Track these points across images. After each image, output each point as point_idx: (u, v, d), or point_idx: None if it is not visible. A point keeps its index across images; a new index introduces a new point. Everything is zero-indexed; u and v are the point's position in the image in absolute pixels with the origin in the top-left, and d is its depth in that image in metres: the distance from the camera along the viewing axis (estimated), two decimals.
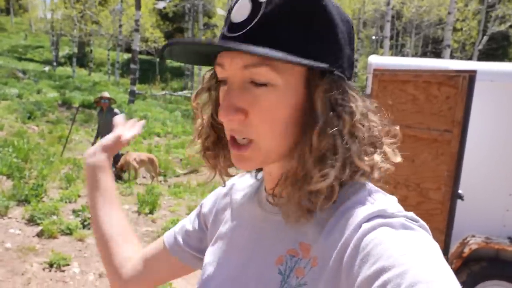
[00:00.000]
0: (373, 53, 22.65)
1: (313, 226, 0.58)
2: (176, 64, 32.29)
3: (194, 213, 0.82)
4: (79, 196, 5.64)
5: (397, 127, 0.63)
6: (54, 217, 4.66)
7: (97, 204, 0.85)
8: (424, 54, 24.40)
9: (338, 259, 0.52)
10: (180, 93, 20.97)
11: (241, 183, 0.76)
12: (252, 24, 0.53)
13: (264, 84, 0.55)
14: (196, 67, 24.34)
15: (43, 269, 3.60)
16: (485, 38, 20.43)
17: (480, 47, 20.39)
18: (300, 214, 0.57)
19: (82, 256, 3.93)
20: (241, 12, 0.55)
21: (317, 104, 0.55)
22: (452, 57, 17.16)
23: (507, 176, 3.05)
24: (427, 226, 0.52)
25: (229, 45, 0.52)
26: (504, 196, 3.08)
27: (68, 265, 3.71)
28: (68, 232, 4.39)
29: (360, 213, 0.54)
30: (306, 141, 0.55)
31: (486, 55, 21.87)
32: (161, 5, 23.12)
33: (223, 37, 0.57)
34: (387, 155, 0.59)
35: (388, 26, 14.25)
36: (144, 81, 24.32)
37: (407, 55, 22.09)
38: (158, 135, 11.49)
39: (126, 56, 30.32)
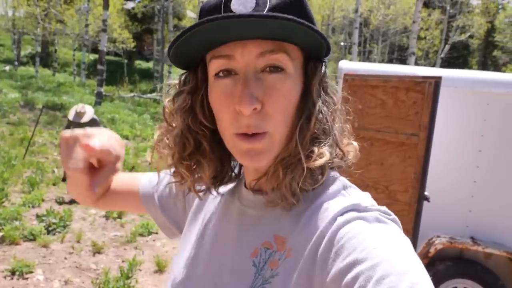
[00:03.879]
0: (342, 58, 23.15)
1: (289, 219, 0.59)
2: (145, 65, 31.77)
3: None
4: (43, 200, 5.43)
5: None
6: (17, 223, 4.46)
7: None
8: (390, 61, 25.14)
9: (312, 251, 0.53)
10: (149, 95, 20.60)
11: None
12: (266, 9, 0.53)
13: (279, 71, 0.55)
14: (166, 70, 24.03)
15: (5, 277, 3.43)
16: (447, 46, 21.33)
17: (443, 55, 21.25)
18: (287, 199, 0.57)
19: (46, 263, 3.78)
20: (245, 4, 0.53)
21: (313, 91, 0.58)
22: (416, 64, 17.78)
23: (469, 178, 3.19)
24: (398, 221, 0.54)
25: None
26: (467, 198, 3.22)
27: (31, 272, 3.56)
28: (32, 238, 4.21)
29: (335, 206, 0.55)
30: (303, 125, 0.57)
31: (448, 63, 22.81)
32: (129, 5, 22.69)
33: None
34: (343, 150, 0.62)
35: (356, 33, 14.61)
36: (112, 82, 23.73)
37: (374, 61, 22.71)
38: (127, 138, 11.23)
39: (93, 56, 29.50)
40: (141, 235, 4.69)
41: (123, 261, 3.94)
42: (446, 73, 3.22)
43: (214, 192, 0.68)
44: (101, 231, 4.72)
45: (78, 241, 4.32)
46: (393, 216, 0.54)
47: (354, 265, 0.46)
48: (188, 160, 0.63)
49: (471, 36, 22.08)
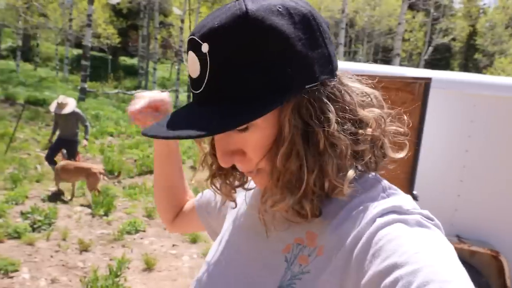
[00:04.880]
0: None
1: (322, 217, 0.58)
2: (129, 62, 31.37)
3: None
4: (27, 197, 5.32)
5: (405, 117, 0.63)
6: (0, 220, 4.36)
7: (167, 165, 0.94)
8: (375, 62, 25.49)
9: (347, 251, 0.52)
10: (134, 92, 20.37)
11: None
12: (205, 82, 0.53)
13: (245, 128, 0.55)
14: (151, 67, 23.76)
15: None
16: (430, 48, 21.69)
17: (426, 57, 21.61)
18: (283, 227, 0.61)
19: (32, 261, 3.70)
20: (194, 67, 0.54)
21: (284, 127, 0.54)
22: (400, 65, 18.05)
23: (456, 178, 3.26)
24: (441, 226, 0.52)
25: (171, 135, 0.52)
26: (453, 197, 3.29)
27: (17, 270, 3.48)
28: (16, 235, 4.12)
29: (375, 208, 0.54)
30: (275, 164, 0.56)
31: (431, 65, 23.21)
32: (114, 0, 22.35)
33: (192, 91, 0.58)
34: (383, 153, 0.59)
35: (342, 33, 14.73)
36: (96, 78, 23.36)
37: (359, 62, 22.95)
38: (111, 134, 11.08)
39: (76, 51, 28.98)
40: (129, 233, 4.65)
41: (111, 259, 3.90)
42: (435, 74, 3.28)
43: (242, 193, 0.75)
44: (87, 228, 4.65)
45: (64, 239, 4.25)
46: (436, 221, 0.52)
47: (393, 269, 0.44)
48: (218, 176, 0.70)
49: (453, 39, 22.54)
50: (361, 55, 22.97)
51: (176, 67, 20.86)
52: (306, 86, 0.53)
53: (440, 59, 26.25)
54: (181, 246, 4.45)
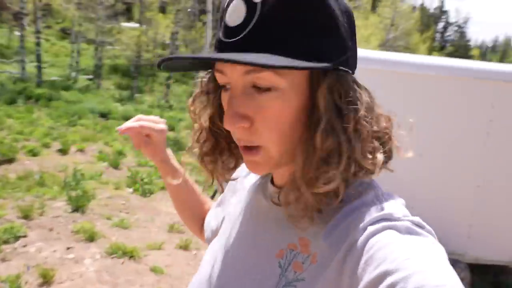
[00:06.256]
0: (191, 26, 22.73)
1: (315, 223, 0.57)
2: None
3: (218, 201, 0.87)
4: None
5: (411, 120, 0.63)
6: None
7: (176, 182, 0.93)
8: None
9: (340, 259, 0.52)
10: None
11: None
12: (249, 28, 0.52)
13: (267, 89, 0.53)
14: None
15: None
16: None
17: None
18: (303, 215, 0.56)
19: None
20: (236, 15, 0.53)
21: (320, 103, 0.53)
22: None
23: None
24: (433, 232, 0.52)
25: (222, 57, 0.51)
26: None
27: None
28: None
29: (366, 215, 0.53)
30: (309, 142, 0.54)
31: None
32: None
33: (220, 43, 0.55)
34: (392, 152, 0.59)
35: (210, 0, 14.39)
36: None
37: None
38: None
39: None
40: (6, 242, 3.83)
41: None
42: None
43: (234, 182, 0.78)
44: None
45: None
46: (427, 227, 0.52)
47: (385, 276, 0.45)
48: (209, 156, 0.68)
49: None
50: None
51: (18, 33, 17.67)
52: (341, 67, 0.54)
53: None
54: (78, 248, 3.88)
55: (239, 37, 0.52)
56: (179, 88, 18.78)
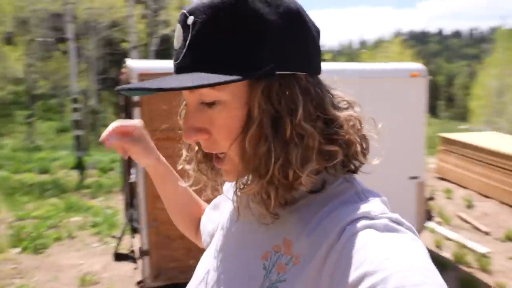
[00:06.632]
0: (47, 57, 20.70)
1: (296, 223, 0.59)
2: None
3: (212, 203, 0.88)
4: None
5: (380, 124, 0.64)
6: None
7: (168, 182, 0.92)
8: (107, 55, 24.50)
9: (320, 260, 0.53)
10: None
11: None
12: (184, 50, 0.55)
13: (212, 103, 0.56)
14: None
15: None
16: (156, 39, 22.63)
17: (154, 48, 22.43)
18: (257, 216, 0.61)
19: None
20: (178, 38, 0.57)
21: (254, 109, 0.55)
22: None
23: None
24: (413, 228, 0.52)
25: (147, 86, 0.54)
26: None
27: None
28: None
29: (345, 214, 0.54)
30: (243, 148, 0.56)
31: (161, 55, 24.34)
32: None
33: (173, 65, 0.59)
34: (356, 155, 0.60)
35: (70, 27, 13.37)
36: None
37: (90, 58, 21.56)
38: None
39: None
40: None
41: None
42: None
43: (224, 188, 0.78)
44: None
45: None
46: (406, 224, 0.52)
47: (364, 278, 0.45)
48: (203, 163, 0.70)
49: (173, 30, 24.19)
50: (90, 50, 21.56)
51: None
52: (277, 72, 0.55)
53: (167, 48, 27.88)
54: None
55: (179, 60, 0.56)
56: (44, 124, 16.91)
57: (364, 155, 0.61)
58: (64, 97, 22.48)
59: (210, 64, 0.53)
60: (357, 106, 0.63)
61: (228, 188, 0.79)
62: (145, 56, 23.43)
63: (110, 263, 4.54)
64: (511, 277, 4.26)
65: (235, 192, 0.63)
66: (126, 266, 4.47)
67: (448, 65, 60.17)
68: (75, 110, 11.67)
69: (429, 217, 5.29)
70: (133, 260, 4.58)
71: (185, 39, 0.55)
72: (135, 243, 4.58)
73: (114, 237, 5.12)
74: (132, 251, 4.75)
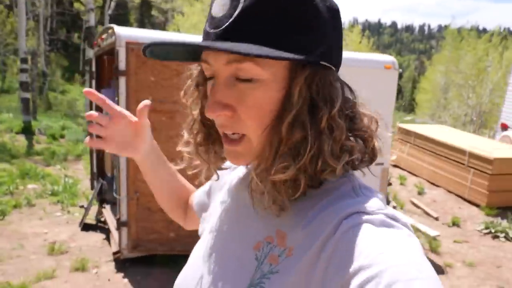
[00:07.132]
0: None
1: (292, 216, 0.58)
2: None
3: (207, 185, 0.86)
4: None
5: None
6: None
7: (159, 166, 0.90)
8: (58, 15, 22.79)
9: (315, 254, 0.52)
10: None
11: None
12: (232, 18, 0.52)
13: (249, 80, 0.54)
14: None
15: None
16: (113, 4, 21.46)
17: (110, 12, 21.27)
18: (269, 204, 0.57)
19: None
20: (222, 5, 0.54)
21: (294, 94, 0.54)
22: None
23: None
24: (408, 224, 0.52)
25: (205, 44, 0.52)
26: None
27: None
28: None
29: (341, 209, 0.54)
30: (277, 132, 0.55)
31: (114, 20, 23.10)
32: None
33: (205, 33, 0.56)
34: (375, 152, 0.60)
35: None
36: None
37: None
38: None
39: None
40: None
41: None
42: None
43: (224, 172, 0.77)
44: None
45: None
46: (402, 220, 0.52)
47: (359, 272, 0.45)
48: (203, 146, 0.69)
49: None
50: (39, 7, 19.93)
51: None
52: (322, 62, 0.55)
53: (122, 14, 26.47)
54: None
55: (222, 27, 0.53)
56: None
57: (375, 153, 0.60)
58: (8, 56, 20.81)
59: (261, 38, 0.52)
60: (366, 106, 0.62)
61: (223, 174, 0.78)
62: (100, 20, 22.14)
63: (77, 233, 4.43)
64: (457, 259, 4.70)
65: (253, 178, 0.58)
66: (94, 236, 4.39)
67: (399, 58, 62.73)
68: (23, 71, 10.83)
69: (387, 202, 5.68)
70: (102, 230, 4.51)
71: (234, 8, 0.53)
72: (104, 214, 4.50)
73: (82, 206, 4.98)
74: (100, 221, 4.67)
